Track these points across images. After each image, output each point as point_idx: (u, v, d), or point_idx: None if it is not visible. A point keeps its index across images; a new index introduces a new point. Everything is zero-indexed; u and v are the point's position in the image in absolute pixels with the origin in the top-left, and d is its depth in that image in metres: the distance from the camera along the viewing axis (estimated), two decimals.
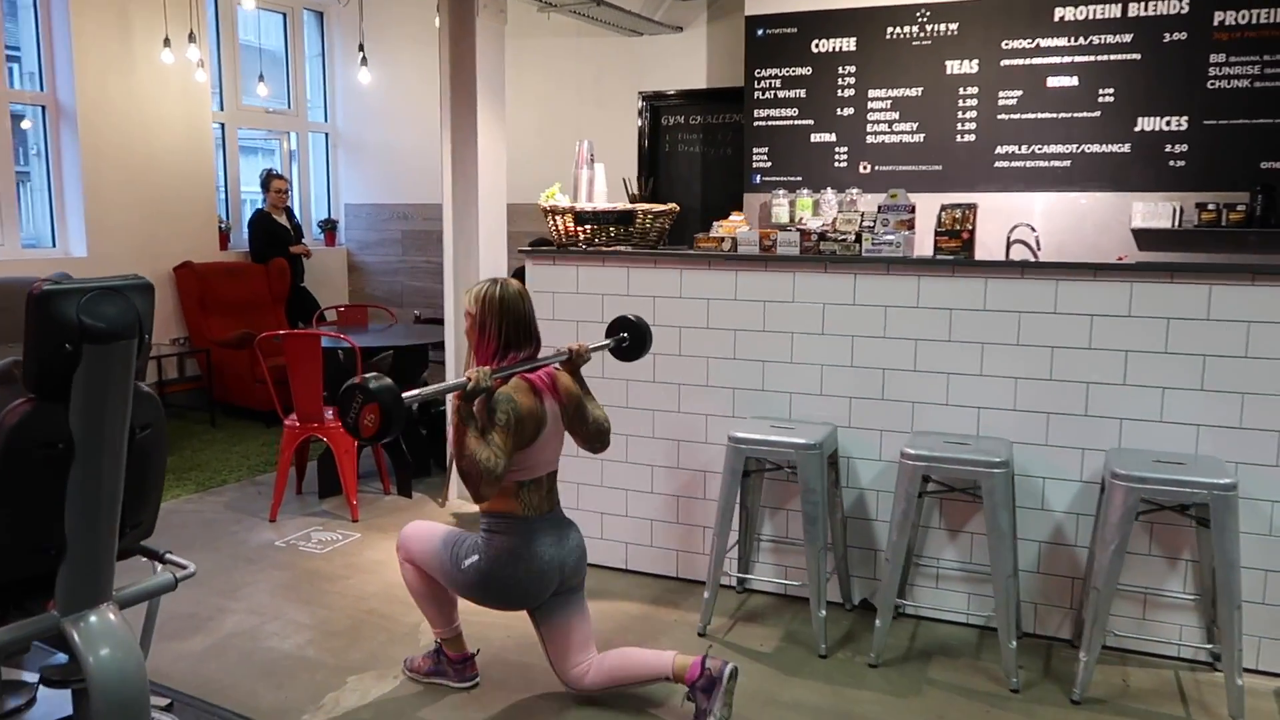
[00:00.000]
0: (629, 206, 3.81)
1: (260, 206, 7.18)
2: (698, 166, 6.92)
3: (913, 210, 3.54)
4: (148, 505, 2.30)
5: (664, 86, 6.88)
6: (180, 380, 6.83)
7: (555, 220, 3.85)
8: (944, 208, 3.54)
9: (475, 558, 2.67)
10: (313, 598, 3.63)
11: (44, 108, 6.11)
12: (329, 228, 8.12)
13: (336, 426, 4.52)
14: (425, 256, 7.78)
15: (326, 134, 8.16)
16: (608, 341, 3.11)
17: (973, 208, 3.50)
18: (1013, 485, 3.12)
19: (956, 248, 3.42)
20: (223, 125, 7.27)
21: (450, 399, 2.50)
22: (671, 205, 3.86)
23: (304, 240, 7.42)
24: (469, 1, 4.55)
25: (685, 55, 6.75)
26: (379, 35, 7.55)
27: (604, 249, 3.81)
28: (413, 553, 2.85)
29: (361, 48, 6.89)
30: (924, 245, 3.83)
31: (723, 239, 3.69)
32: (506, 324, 2.64)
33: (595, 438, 2.81)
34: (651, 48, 6.86)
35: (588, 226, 3.82)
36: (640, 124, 6.99)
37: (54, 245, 6.27)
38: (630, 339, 3.11)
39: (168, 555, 2.50)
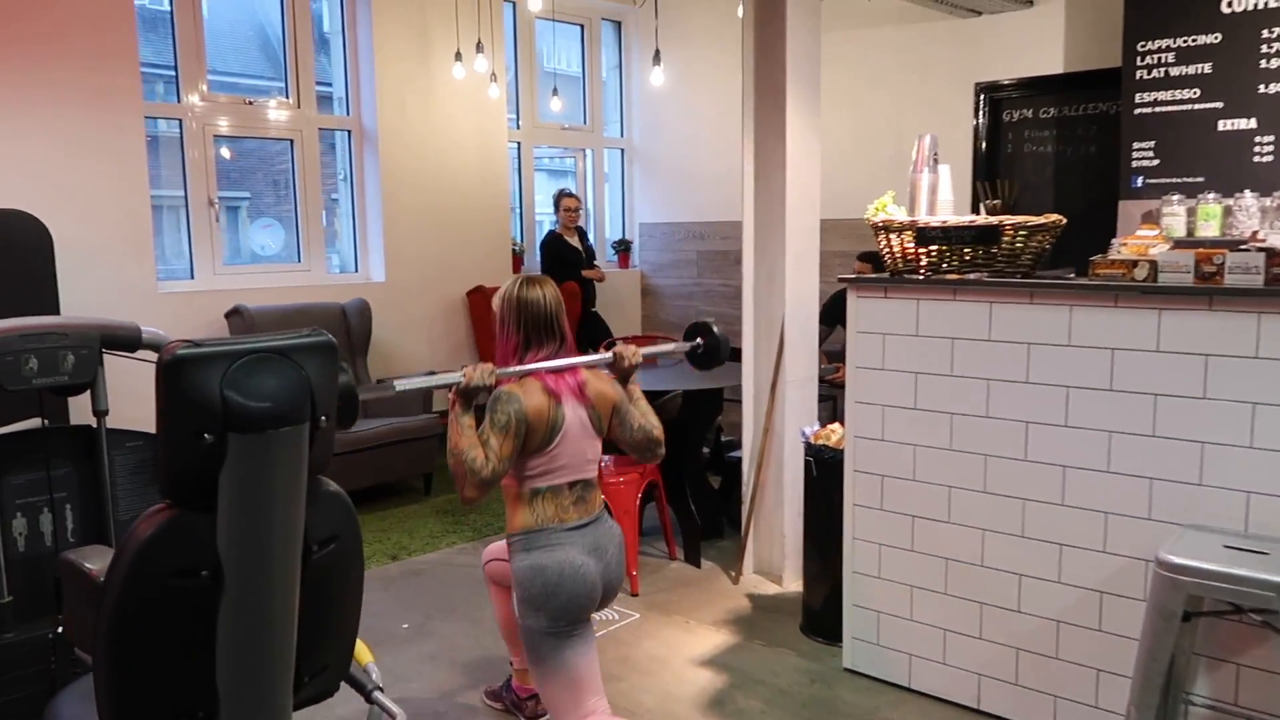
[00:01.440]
0: (992, 220, 2.83)
1: (553, 228, 6.83)
2: (1049, 169, 5.68)
3: None
4: (334, 644, 1.68)
5: (1007, 75, 5.71)
6: None
7: (890, 240, 2.94)
8: None
9: (517, 593, 2.46)
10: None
11: (350, 132, 6.10)
12: (623, 249, 7.68)
13: (617, 482, 3.89)
14: (722, 279, 7.10)
15: (623, 150, 7.74)
16: (670, 346, 2.96)
17: None
18: None
19: None
20: (519, 144, 7.03)
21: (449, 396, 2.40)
22: (1054, 217, 2.82)
23: (596, 262, 7.00)
24: None
25: (1036, 35, 5.55)
26: (679, 41, 6.99)
27: (955, 277, 2.85)
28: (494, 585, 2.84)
29: (658, 54, 6.34)
30: None
31: (1135, 263, 2.60)
32: (525, 321, 2.50)
33: (642, 447, 2.61)
34: (992, 29, 5.72)
35: (934, 247, 2.88)
36: (975, 122, 5.86)
37: (356, 270, 6.25)
38: (705, 346, 2.82)
39: (375, 694, 1.90)
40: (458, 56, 5.89)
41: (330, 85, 6.24)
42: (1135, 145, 4.77)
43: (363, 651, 2.06)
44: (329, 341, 1.49)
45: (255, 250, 6.32)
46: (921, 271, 2.92)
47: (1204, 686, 2.47)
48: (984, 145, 5.85)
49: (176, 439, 1.37)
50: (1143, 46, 4.69)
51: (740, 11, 4.48)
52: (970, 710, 2.87)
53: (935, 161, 3.19)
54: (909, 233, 2.89)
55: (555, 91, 6.51)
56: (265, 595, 1.47)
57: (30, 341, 2.32)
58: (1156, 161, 4.72)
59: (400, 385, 2.33)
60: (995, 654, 2.81)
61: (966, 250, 2.85)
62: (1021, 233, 2.78)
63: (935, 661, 2.93)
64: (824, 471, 3.30)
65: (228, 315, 5.30)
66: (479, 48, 5.73)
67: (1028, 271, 2.82)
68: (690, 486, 4.25)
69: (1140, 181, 4.76)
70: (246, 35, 6.62)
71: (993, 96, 5.81)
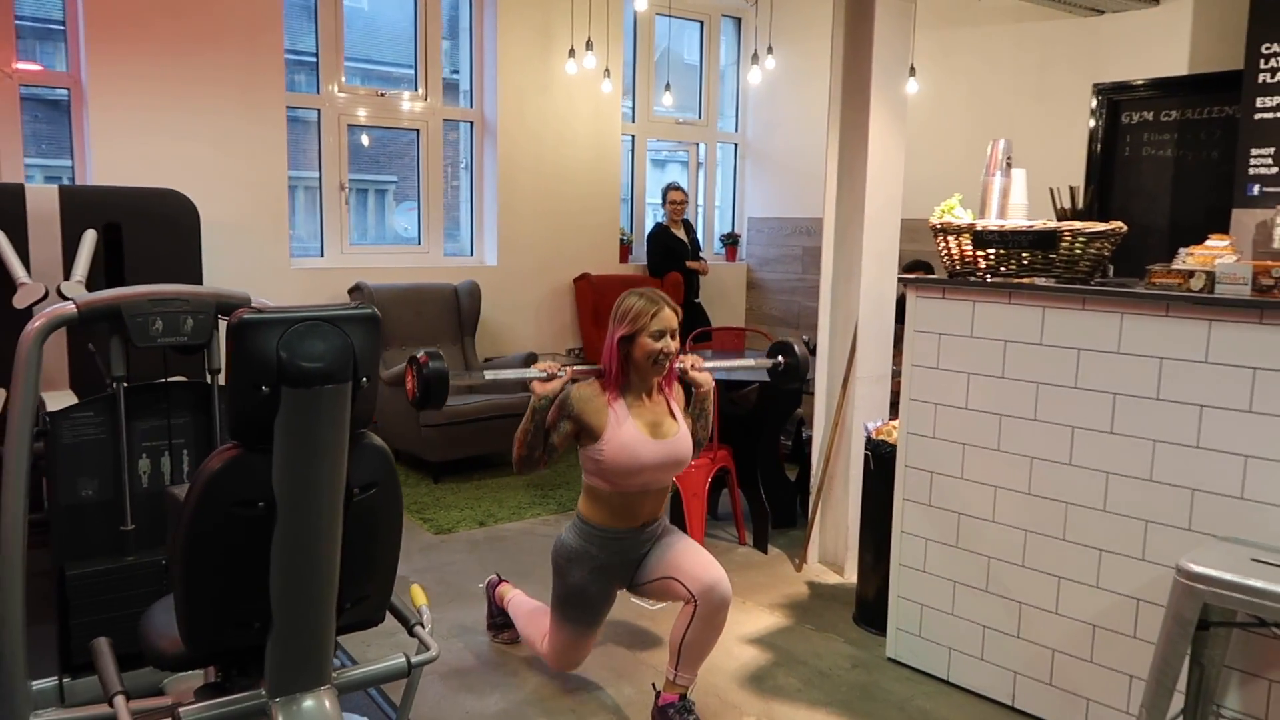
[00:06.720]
0: (1050, 225, 2.85)
1: (660, 220, 7.03)
2: (1168, 175, 5.49)
3: None
4: (375, 577, 1.93)
5: (1129, 76, 5.55)
6: None
7: (948, 242, 3.01)
8: None
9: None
10: (625, 669, 3.17)
11: (472, 124, 6.45)
12: (731, 242, 7.81)
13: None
14: None
15: (736, 145, 7.86)
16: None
17: None
18: None
19: None
20: (633, 137, 7.25)
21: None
22: (1115, 224, 2.82)
23: (702, 255, 7.16)
24: None
25: (1161, 35, 5.38)
26: (793, 36, 7.06)
27: (1012, 281, 2.89)
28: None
29: (770, 50, 6.42)
30: None
31: (1191, 273, 2.59)
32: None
33: None
34: (1115, 28, 5.57)
35: (991, 251, 2.92)
36: (1092, 124, 5.72)
37: (471, 254, 6.60)
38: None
39: (417, 627, 2.14)
40: (571, 53, 6.15)
41: (458, 74, 6.60)
42: (1253, 152, 4.60)
43: (418, 594, 2.31)
44: (373, 314, 1.72)
45: (399, 231, 6.76)
46: (980, 275, 2.97)
47: (1235, 700, 2.46)
48: (1099, 148, 5.71)
49: (240, 389, 1.63)
50: (1266, 49, 4.52)
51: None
52: (1004, 707, 2.92)
53: (1009, 165, 3.22)
54: (966, 235, 2.94)
55: (668, 87, 6.69)
56: (311, 527, 1.72)
57: (157, 306, 2.68)
58: (1276, 169, 4.54)
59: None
60: (1032, 654, 2.85)
61: (1025, 255, 2.88)
62: (1080, 239, 2.79)
63: (973, 657, 2.99)
64: (881, 466, 3.38)
65: (350, 291, 5.73)
66: (589, 45, 5.97)
67: (1086, 278, 2.84)
68: (763, 474, 4.37)
69: (1256, 189, 4.59)
70: (383, 24, 7.05)
71: (1112, 98, 5.66)
